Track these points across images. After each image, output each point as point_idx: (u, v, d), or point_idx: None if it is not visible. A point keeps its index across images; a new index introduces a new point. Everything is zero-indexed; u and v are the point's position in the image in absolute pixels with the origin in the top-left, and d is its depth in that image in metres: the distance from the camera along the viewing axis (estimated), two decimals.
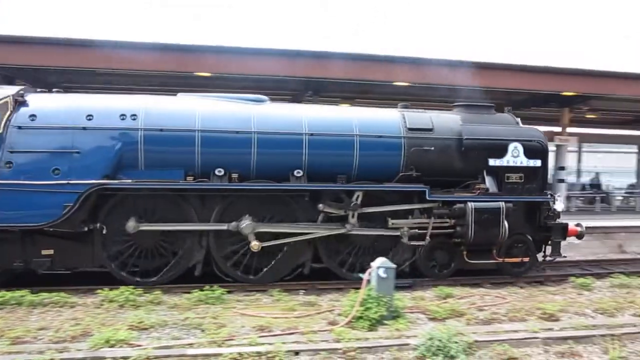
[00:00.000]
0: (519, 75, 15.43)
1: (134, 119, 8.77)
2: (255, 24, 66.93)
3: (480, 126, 10.36)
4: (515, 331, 7.04)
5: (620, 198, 27.54)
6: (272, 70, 14.15)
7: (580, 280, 9.97)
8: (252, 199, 9.18)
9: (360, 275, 7.60)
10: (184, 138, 8.89)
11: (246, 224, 8.89)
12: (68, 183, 8.34)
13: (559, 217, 10.57)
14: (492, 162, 10.21)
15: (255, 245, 8.86)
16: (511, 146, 10.29)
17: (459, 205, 9.70)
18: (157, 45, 14.03)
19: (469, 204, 9.65)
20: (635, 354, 6.61)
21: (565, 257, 11.02)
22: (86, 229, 8.61)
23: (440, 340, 6.15)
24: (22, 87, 9.11)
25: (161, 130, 8.80)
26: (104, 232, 8.73)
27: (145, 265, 9.05)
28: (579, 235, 10.84)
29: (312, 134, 9.33)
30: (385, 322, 7.03)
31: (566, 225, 10.52)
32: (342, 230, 9.38)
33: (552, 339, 6.84)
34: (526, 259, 10.50)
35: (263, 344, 6.09)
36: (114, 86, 16.55)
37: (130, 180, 8.59)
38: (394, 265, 7.44)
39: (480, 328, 7.16)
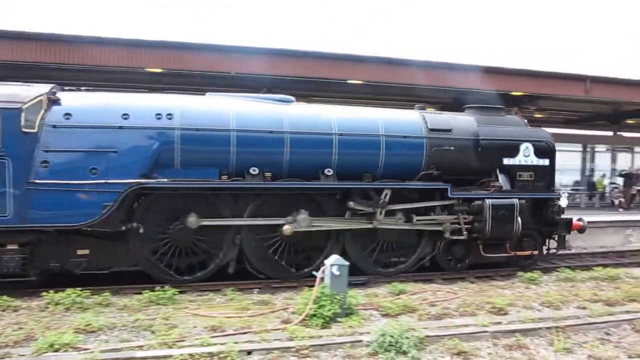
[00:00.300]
0: (470, 75, 15.72)
1: (170, 119, 8.79)
2: (255, 24, 66.05)
3: (495, 127, 10.99)
4: (466, 325, 7.19)
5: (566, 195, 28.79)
6: (228, 67, 14.00)
7: (529, 274, 10.26)
8: (284, 197, 9.41)
9: (314, 273, 7.60)
10: (220, 138, 9.00)
11: (303, 217, 9.23)
12: (106, 182, 8.30)
13: (563, 213, 11.34)
14: (506, 161, 10.88)
15: (287, 229, 9.13)
16: (523, 146, 10.98)
17: (477, 202, 10.19)
18: (105, 40, 13.69)
19: (487, 200, 10.16)
20: (578, 345, 6.85)
21: (571, 249, 11.95)
22: (124, 228, 8.58)
23: (392, 336, 6.22)
24: (53, 85, 8.88)
25: (197, 129, 8.84)
26: (141, 231, 8.69)
27: (179, 263, 9.12)
28: (581, 230, 11.54)
29: (341, 134, 9.62)
30: (339, 319, 7.05)
31: (571, 220, 11.25)
32: (379, 226, 9.85)
33: (500, 332, 7.01)
34: (535, 252, 11.24)
35: (215, 344, 6.01)
36: (58, 81, 15.93)
37: (166, 180, 8.68)
38: (347, 263, 7.47)
39: (432, 323, 7.28)
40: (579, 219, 11.45)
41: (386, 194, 9.71)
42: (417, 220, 10.05)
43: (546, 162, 11.16)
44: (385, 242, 10.19)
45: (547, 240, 11.48)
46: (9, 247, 8.14)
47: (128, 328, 6.59)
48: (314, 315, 6.98)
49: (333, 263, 7.27)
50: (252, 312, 7.56)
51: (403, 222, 10.04)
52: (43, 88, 8.49)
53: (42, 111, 8.16)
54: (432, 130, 10.28)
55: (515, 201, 10.34)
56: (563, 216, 11.26)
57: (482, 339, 6.86)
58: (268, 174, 9.18)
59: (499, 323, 7.35)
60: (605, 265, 11.64)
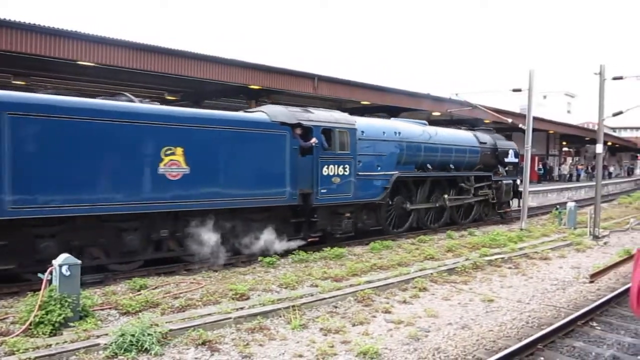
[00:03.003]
0: (209, 66, 15.79)
1: (398, 135, 14.75)
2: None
3: (500, 140, 19.96)
4: (210, 314, 7.20)
5: None
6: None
7: (268, 259, 10.79)
8: (438, 183, 16.63)
9: (40, 275, 6.68)
10: (417, 147, 15.41)
11: (448, 197, 16.79)
12: (384, 174, 14.07)
13: (518, 187, 20.41)
14: (506, 159, 19.76)
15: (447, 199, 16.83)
16: (511, 151, 20.08)
17: (499, 182, 19.24)
18: (36, 28, 11.99)
19: (504, 181, 19.40)
20: (312, 320, 7.44)
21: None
22: (390, 202, 14.63)
23: (133, 335, 5.85)
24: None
25: (410, 142, 15.13)
26: (390, 203, 14.76)
27: (397, 223, 15.32)
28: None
29: (456, 146, 17.18)
30: (71, 324, 6.36)
31: (521, 191, 19.34)
32: (473, 200, 18.22)
33: (243, 317, 7.21)
34: (509, 209, 20.64)
35: None
36: None
37: (410, 172, 15.30)
38: (79, 262, 6.75)
39: (176, 316, 7.09)
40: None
41: (473, 178, 18.03)
42: (480, 192, 18.36)
43: (516, 160, 20.39)
44: (463, 207, 18.03)
45: (513, 202, 20.79)
46: (347, 215, 13.18)
47: None
48: (41, 322, 6.17)
49: (62, 263, 6.48)
50: None
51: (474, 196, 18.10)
52: (351, 117, 13.58)
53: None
54: (480, 142, 18.39)
55: (512, 181, 20.04)
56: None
57: (226, 326, 6.94)
58: (430, 168, 15.98)
59: (242, 308, 7.55)
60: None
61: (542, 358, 6.41)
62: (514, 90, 18.61)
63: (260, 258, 10.96)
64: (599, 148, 16.94)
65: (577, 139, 46.34)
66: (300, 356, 6.17)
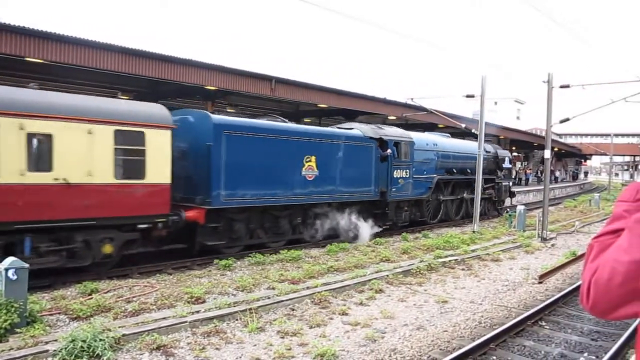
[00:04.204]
0: (165, 65, 15.48)
1: (436, 146, 18.77)
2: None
3: (500, 150, 24.22)
4: (165, 318, 7.05)
5: None
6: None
7: (224, 261, 10.67)
8: (458, 184, 20.32)
9: None
10: (447, 155, 19.22)
11: (466, 192, 20.52)
12: (429, 176, 18.10)
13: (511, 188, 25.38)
14: (504, 165, 23.55)
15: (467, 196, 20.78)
16: (507, 158, 24.07)
17: (499, 183, 23.11)
18: None
19: (503, 182, 23.42)
20: (269, 322, 7.40)
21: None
22: (429, 199, 18.54)
23: (84, 341, 5.67)
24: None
25: (444, 152, 19.13)
26: (429, 200, 18.56)
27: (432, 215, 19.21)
28: (512, 195, 26.12)
29: (471, 154, 19.81)
30: (18, 330, 6.11)
31: (514, 192, 26.18)
32: (485, 195, 21.74)
33: (199, 320, 7.09)
34: (504, 206, 24.79)
35: None
36: None
37: (445, 176, 19.35)
38: (27, 265, 6.50)
39: (129, 321, 6.91)
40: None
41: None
42: (487, 192, 21.72)
43: (510, 165, 25.23)
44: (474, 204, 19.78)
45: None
46: (405, 208, 17.04)
47: None
48: None
49: (8, 266, 6.22)
50: None
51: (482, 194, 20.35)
52: (405, 131, 17.99)
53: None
54: (486, 152, 20.79)
55: (509, 183, 24.87)
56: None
57: (182, 330, 6.82)
58: (455, 171, 19.81)
59: (198, 312, 7.43)
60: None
61: (494, 357, 6.58)
62: (468, 96, 19.10)
63: (216, 261, 10.84)
64: (547, 153, 17.55)
65: (526, 144, 47.89)
66: (258, 359, 6.12)
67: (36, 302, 7.01)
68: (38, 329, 6.26)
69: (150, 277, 9.62)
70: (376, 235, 15.17)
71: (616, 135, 66.32)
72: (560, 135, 76.05)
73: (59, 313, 7.11)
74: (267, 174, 12.11)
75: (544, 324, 8.07)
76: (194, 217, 10.79)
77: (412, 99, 20.96)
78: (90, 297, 7.94)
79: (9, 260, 6.36)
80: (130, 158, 9.53)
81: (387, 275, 10.39)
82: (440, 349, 6.72)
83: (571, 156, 69.41)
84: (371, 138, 15.53)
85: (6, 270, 6.20)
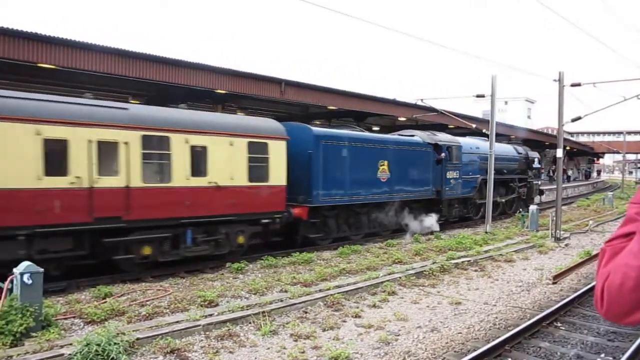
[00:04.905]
0: (175, 70, 15.53)
1: (478, 149, 20.34)
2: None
3: (529, 151, 25.73)
4: (178, 322, 7.07)
5: None
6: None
7: (236, 265, 10.68)
8: (496, 183, 20.08)
9: (0, 284, 6.45)
10: (487, 157, 18.87)
11: (504, 195, 23.22)
12: (474, 177, 20.03)
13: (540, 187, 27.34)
14: (534, 165, 25.47)
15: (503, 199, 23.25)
16: (536, 159, 25.89)
17: (530, 182, 25.29)
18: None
19: (534, 181, 25.65)
20: (282, 325, 7.39)
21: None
22: (474, 198, 20.55)
23: (99, 345, 5.69)
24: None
25: (484, 154, 19.34)
26: (474, 198, 20.61)
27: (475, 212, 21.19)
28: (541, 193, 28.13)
29: (507, 156, 22.64)
30: (33, 334, 6.16)
31: (543, 190, 27.70)
32: (515, 195, 24.20)
33: (212, 324, 7.10)
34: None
35: None
36: None
37: (481, 177, 20.29)
38: (42, 270, 6.54)
39: (143, 324, 6.94)
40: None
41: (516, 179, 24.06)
42: (519, 190, 24.03)
43: (540, 165, 27.31)
44: (509, 201, 23.36)
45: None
46: (455, 206, 19.37)
47: None
48: (0, 333, 5.95)
49: (23, 271, 6.27)
50: None
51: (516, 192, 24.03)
52: (453, 136, 20.02)
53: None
54: (518, 153, 24.02)
55: (539, 182, 26.95)
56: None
57: (195, 333, 6.83)
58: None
59: (210, 315, 7.44)
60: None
61: (509, 359, 6.52)
62: (478, 96, 19.00)
63: (228, 264, 10.86)
64: (559, 152, 17.40)
65: (537, 144, 47.59)
66: None
67: (51, 306, 7.06)
68: (53, 332, 6.30)
69: (163, 281, 9.66)
70: (390, 237, 15.99)
71: (629, 133, 65.61)
72: (572, 134, 75.52)
73: (74, 317, 7.16)
74: (351, 176, 14.38)
75: (559, 324, 7.99)
76: (300, 213, 12.98)
77: (422, 99, 20.86)
78: (104, 301, 7.99)
79: (24, 264, 6.41)
80: (257, 164, 11.71)
81: (400, 277, 10.34)
82: (455, 351, 6.68)
83: (583, 155, 68.82)
84: (429, 144, 17.74)
85: (21, 274, 6.25)
